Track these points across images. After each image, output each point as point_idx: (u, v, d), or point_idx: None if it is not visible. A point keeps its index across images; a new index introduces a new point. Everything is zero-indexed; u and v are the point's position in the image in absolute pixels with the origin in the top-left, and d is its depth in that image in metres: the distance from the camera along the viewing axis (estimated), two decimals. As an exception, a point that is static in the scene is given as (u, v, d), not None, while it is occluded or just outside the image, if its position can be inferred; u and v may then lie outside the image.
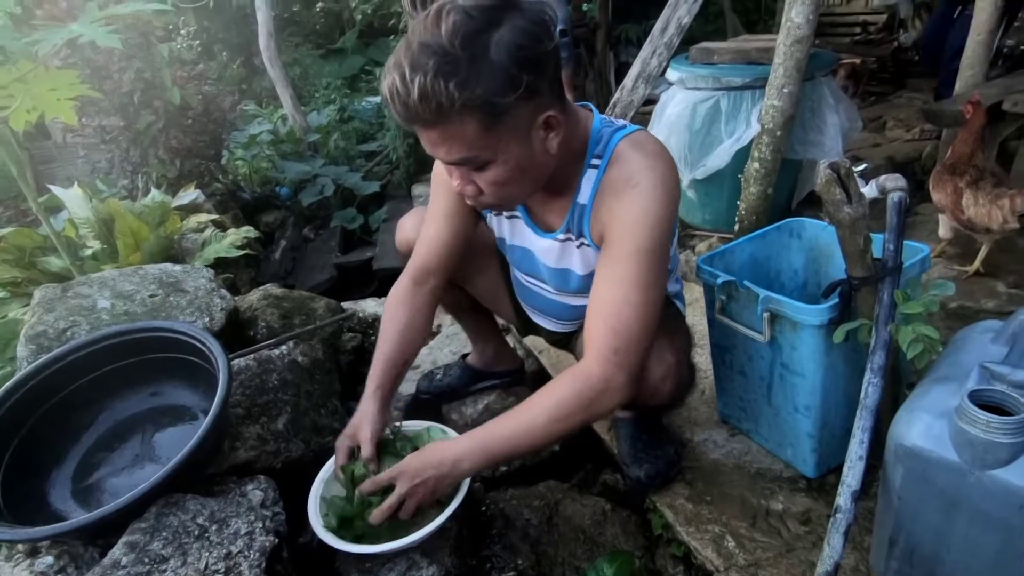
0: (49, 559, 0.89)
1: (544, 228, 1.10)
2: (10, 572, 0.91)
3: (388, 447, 1.08)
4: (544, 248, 1.12)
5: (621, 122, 1.02)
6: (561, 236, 1.07)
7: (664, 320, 1.06)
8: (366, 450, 1.03)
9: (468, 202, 0.96)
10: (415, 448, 1.07)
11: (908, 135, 3.35)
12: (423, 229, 1.19)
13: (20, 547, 1.00)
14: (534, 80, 0.81)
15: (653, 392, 1.06)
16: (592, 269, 1.02)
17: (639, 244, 0.92)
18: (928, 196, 1.86)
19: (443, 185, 1.12)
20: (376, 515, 0.95)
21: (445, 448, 0.97)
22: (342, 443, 1.06)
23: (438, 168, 1.14)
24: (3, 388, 1.04)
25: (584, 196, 1.00)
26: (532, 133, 0.87)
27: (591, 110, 1.02)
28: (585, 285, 1.05)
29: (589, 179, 0.99)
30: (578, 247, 1.07)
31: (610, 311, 0.92)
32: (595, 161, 0.98)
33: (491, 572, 1.07)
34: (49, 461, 1.07)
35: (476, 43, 0.76)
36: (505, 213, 1.15)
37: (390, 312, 1.17)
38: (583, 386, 0.92)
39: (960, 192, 1.71)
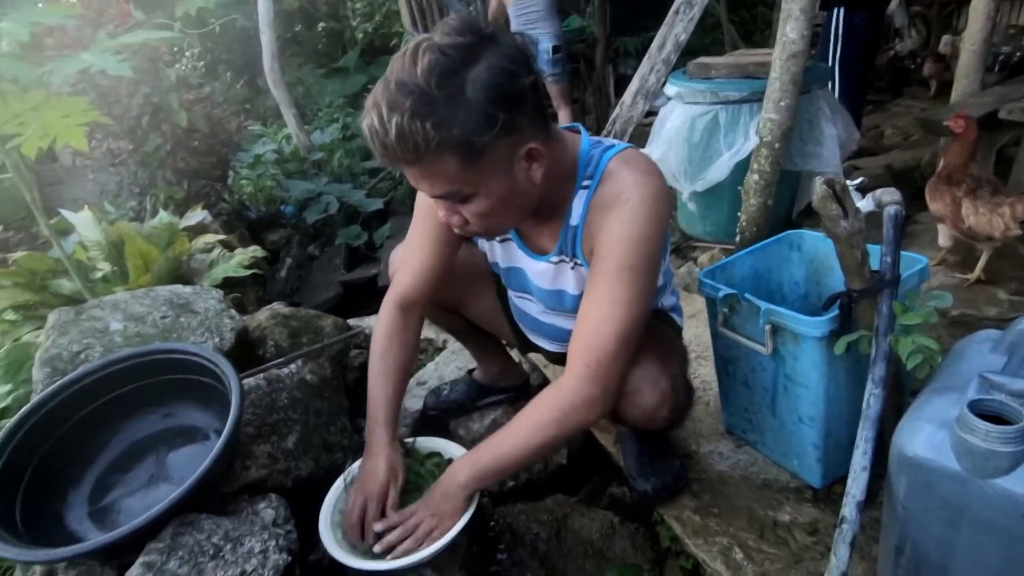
0: (68, 580, 0.91)
1: (537, 251, 1.11)
2: (28, 594, 0.93)
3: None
4: (539, 271, 1.12)
5: (610, 141, 1.03)
6: (555, 259, 1.07)
7: (659, 341, 1.08)
8: (371, 508, 1.04)
9: (455, 231, 0.97)
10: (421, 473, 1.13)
11: (906, 143, 3.38)
12: (405, 254, 1.20)
13: (37, 568, 1.01)
14: (511, 117, 0.82)
15: (650, 419, 1.06)
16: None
17: (624, 261, 0.93)
18: (928, 206, 1.88)
19: (425, 210, 1.13)
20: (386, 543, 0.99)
21: (448, 480, 1.01)
22: (357, 500, 1.06)
23: (421, 194, 1.15)
24: (21, 412, 1.07)
25: (575, 217, 1.01)
26: (515, 165, 0.88)
27: (579, 131, 1.03)
28: (579, 305, 1.05)
29: (580, 200, 1.00)
30: (572, 268, 1.07)
31: (588, 328, 0.95)
32: (586, 182, 0.99)
33: (501, 587, 1.08)
34: (65, 483, 1.09)
35: (452, 82, 0.77)
36: (497, 238, 1.16)
37: (382, 346, 1.17)
38: (558, 401, 0.96)
39: (959, 202, 1.73)
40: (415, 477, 1.13)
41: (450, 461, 1.15)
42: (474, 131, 0.79)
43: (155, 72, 3.07)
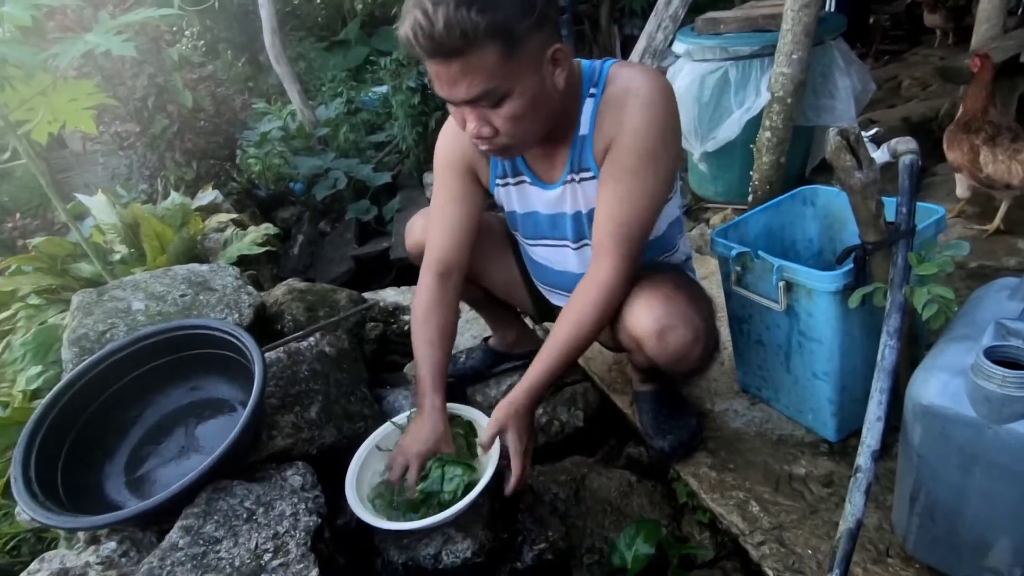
0: (112, 544, 0.95)
1: (548, 181, 1.13)
2: (75, 558, 0.98)
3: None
4: (552, 199, 1.14)
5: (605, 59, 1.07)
6: (567, 178, 1.09)
7: (689, 285, 1.10)
8: (413, 470, 1.06)
9: (482, 148, 0.98)
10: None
11: (924, 93, 3.28)
12: (433, 220, 1.21)
13: (80, 535, 1.07)
14: (545, 5, 0.87)
15: (683, 357, 1.06)
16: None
17: (645, 150, 0.98)
18: (945, 155, 1.84)
19: (448, 169, 1.16)
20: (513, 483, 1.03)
21: (515, 399, 1.06)
22: (399, 460, 1.09)
23: (441, 155, 1.17)
24: (55, 390, 1.10)
25: (584, 127, 1.04)
26: (543, 67, 0.91)
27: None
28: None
29: (587, 108, 1.03)
30: (579, 183, 1.09)
31: (616, 218, 1.01)
32: (592, 90, 1.02)
33: (523, 545, 1.11)
34: (102, 455, 1.13)
35: None
36: (512, 181, 1.16)
37: (424, 312, 1.18)
38: (602, 291, 1.02)
39: (977, 150, 1.69)
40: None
41: (471, 425, 1.18)
42: (515, 17, 0.84)
43: (157, 52, 3.06)
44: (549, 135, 1.03)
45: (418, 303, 1.19)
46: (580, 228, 1.15)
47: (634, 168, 0.99)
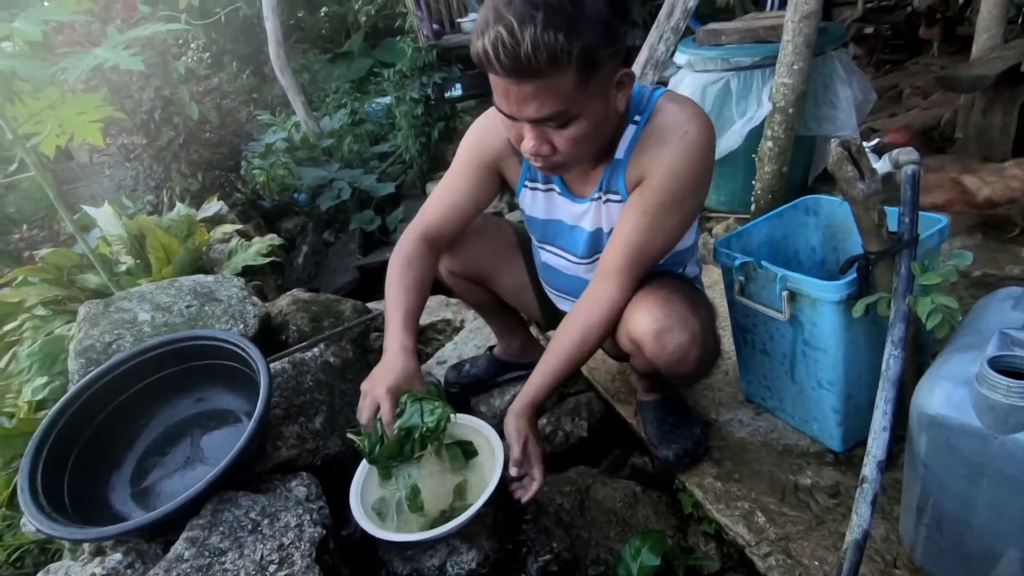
0: (118, 555, 0.95)
1: (578, 195, 1.14)
2: (80, 570, 0.98)
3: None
4: (579, 213, 1.14)
5: (653, 85, 1.08)
6: (595, 196, 1.10)
7: (688, 289, 1.11)
8: (386, 406, 1.00)
9: (536, 164, 0.98)
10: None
11: (925, 102, 3.29)
12: (437, 191, 1.20)
13: (86, 547, 1.07)
14: (622, 32, 0.87)
15: (681, 360, 1.05)
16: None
17: (676, 195, 0.99)
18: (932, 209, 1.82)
19: (473, 154, 1.16)
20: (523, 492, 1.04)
21: (526, 406, 1.07)
22: (366, 400, 1.03)
23: (471, 141, 1.16)
24: (61, 400, 1.11)
25: (621, 152, 1.04)
26: (610, 90, 0.91)
27: None
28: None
29: (628, 135, 1.03)
30: (604, 203, 1.10)
31: (632, 248, 1.03)
32: (636, 117, 1.03)
33: (528, 556, 1.11)
34: (108, 466, 1.14)
35: None
36: (542, 187, 1.17)
37: (402, 264, 1.15)
38: (604, 309, 1.05)
39: (959, 182, 1.68)
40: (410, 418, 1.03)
41: (443, 407, 1.05)
42: (598, 42, 0.83)
43: (164, 65, 3.10)
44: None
45: (397, 257, 1.17)
46: (598, 246, 1.15)
47: (663, 206, 1.00)
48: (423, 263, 1.17)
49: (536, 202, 1.20)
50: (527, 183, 1.18)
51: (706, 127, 0.99)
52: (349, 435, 1.07)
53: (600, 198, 1.10)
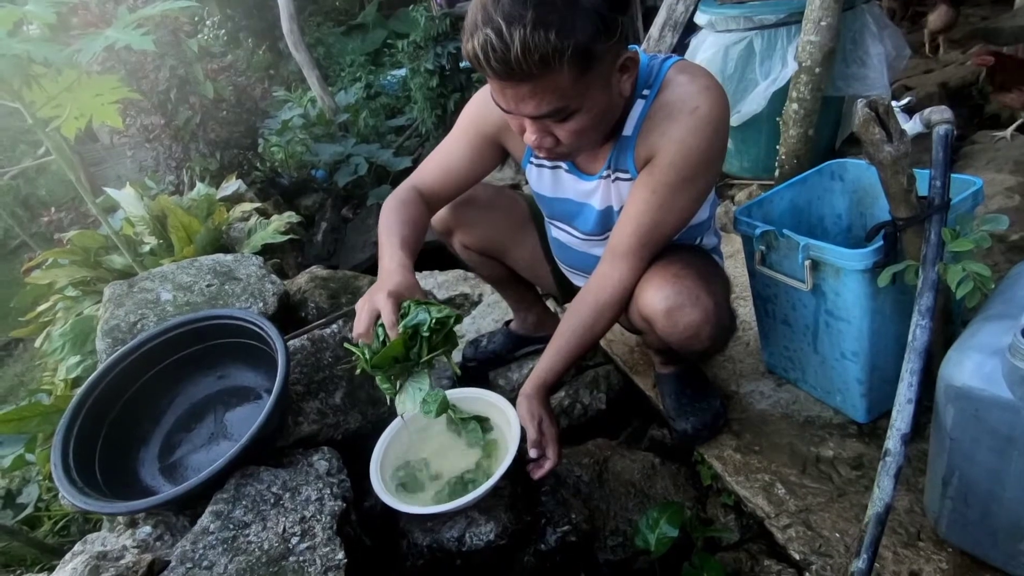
0: (148, 528, 0.99)
1: (586, 172, 1.11)
2: (114, 540, 1.02)
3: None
4: (587, 191, 1.12)
5: (664, 54, 1.02)
6: (604, 173, 1.07)
7: (701, 264, 1.08)
8: (387, 311, 0.92)
9: (540, 154, 0.96)
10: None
11: (963, 56, 3.11)
12: (436, 153, 1.17)
13: (121, 519, 1.11)
14: (620, 20, 0.82)
15: (694, 336, 1.03)
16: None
17: (688, 172, 0.95)
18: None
19: (473, 126, 1.13)
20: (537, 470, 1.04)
21: (539, 385, 1.08)
22: (364, 308, 0.95)
23: (472, 113, 1.13)
24: (89, 379, 1.14)
25: (629, 128, 1.00)
26: (612, 77, 0.88)
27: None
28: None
29: (636, 110, 0.99)
30: (613, 182, 1.07)
31: (643, 227, 1.01)
32: (645, 92, 0.98)
33: (546, 527, 1.12)
34: (137, 442, 1.17)
35: None
36: (548, 164, 1.14)
37: (397, 204, 1.11)
38: (615, 291, 1.04)
39: None
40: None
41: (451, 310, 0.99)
42: (594, 36, 0.79)
43: (177, 44, 3.09)
44: None
45: (391, 201, 1.13)
46: (609, 223, 1.13)
47: (672, 185, 0.96)
48: (417, 208, 1.14)
49: (543, 179, 1.17)
50: (533, 160, 1.15)
51: (718, 100, 0.93)
52: (346, 344, 1.00)
53: (609, 176, 1.07)
